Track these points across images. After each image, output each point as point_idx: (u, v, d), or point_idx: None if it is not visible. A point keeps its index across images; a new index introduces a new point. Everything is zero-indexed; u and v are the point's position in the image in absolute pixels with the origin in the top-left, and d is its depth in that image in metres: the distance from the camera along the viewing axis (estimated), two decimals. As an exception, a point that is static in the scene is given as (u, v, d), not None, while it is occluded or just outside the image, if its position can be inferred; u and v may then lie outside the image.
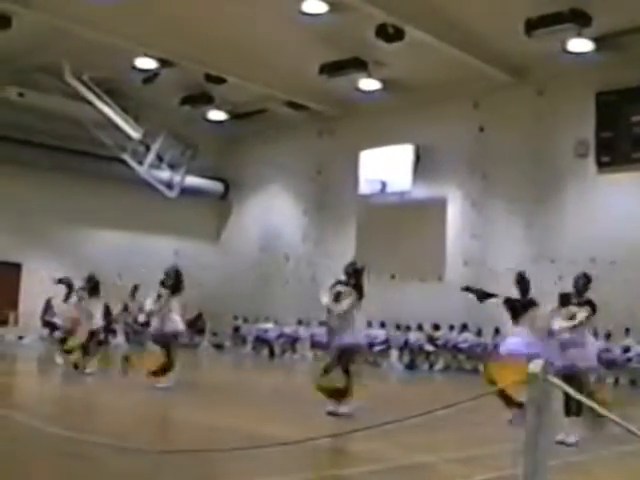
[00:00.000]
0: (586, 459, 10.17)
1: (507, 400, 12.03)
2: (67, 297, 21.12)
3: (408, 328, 28.25)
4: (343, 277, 13.94)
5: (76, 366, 18.87)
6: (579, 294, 12.06)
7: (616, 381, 23.49)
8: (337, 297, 13.73)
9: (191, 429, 11.87)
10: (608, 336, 23.44)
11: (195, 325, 32.89)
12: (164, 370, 16.59)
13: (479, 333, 26.44)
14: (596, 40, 23.77)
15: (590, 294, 12.05)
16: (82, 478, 8.13)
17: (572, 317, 11.78)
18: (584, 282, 12.16)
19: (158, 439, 10.86)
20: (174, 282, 17.10)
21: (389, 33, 23.72)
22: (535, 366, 5.11)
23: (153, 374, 16.53)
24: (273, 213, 35.75)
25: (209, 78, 29.46)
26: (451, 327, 27.18)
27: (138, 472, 8.30)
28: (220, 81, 29.55)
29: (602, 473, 9.86)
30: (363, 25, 23.46)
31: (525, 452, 5.14)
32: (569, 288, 12.34)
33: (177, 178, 33.54)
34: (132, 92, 30.86)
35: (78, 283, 20.76)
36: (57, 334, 21.90)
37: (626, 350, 23.53)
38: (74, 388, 17.04)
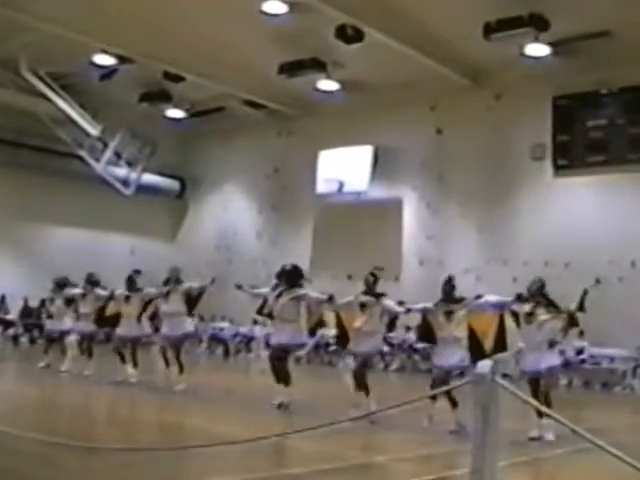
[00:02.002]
0: (535, 458, 10.26)
1: None
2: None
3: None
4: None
5: None
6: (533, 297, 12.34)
7: (570, 383, 23.66)
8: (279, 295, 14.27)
9: (147, 428, 11.85)
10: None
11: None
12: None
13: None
14: (553, 45, 23.99)
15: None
16: (43, 478, 8.05)
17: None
18: (538, 286, 12.43)
19: (116, 438, 10.79)
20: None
21: (348, 34, 23.82)
22: (483, 367, 5.15)
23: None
24: (229, 212, 35.70)
25: (167, 76, 29.39)
26: (407, 328, 27.08)
27: (98, 471, 8.24)
28: (179, 79, 29.50)
29: (550, 471, 9.97)
30: (323, 26, 23.52)
31: (473, 452, 5.18)
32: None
33: (133, 175, 33.37)
34: (90, 88, 30.62)
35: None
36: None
37: (579, 352, 23.71)
38: (31, 387, 16.89)
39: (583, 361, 23.77)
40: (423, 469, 9.65)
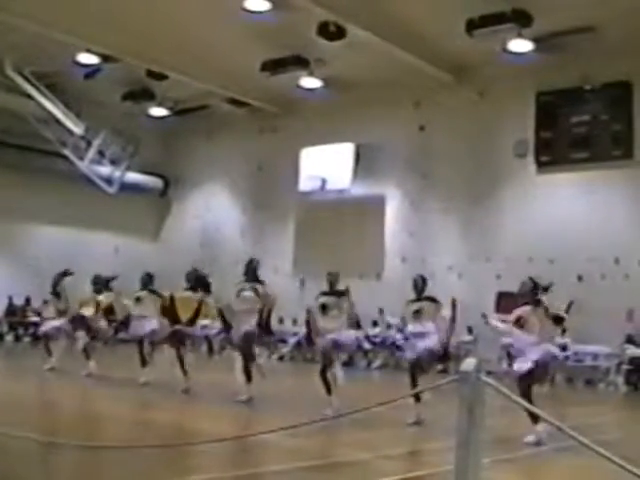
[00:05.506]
0: (520, 455, 10.26)
1: None
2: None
3: (347, 325, 28.15)
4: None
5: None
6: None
7: (553, 380, 23.68)
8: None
9: (128, 425, 11.81)
10: (546, 334, 23.66)
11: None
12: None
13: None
14: (536, 40, 23.98)
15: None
16: (19, 476, 7.99)
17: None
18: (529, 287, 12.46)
19: (95, 435, 10.77)
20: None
21: (331, 31, 23.79)
22: (468, 365, 5.15)
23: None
24: (213, 210, 35.60)
25: (150, 74, 29.30)
26: (388, 325, 27.09)
27: (75, 468, 8.22)
28: (161, 77, 29.42)
29: (534, 468, 9.99)
30: (305, 23, 23.48)
31: (457, 449, 5.18)
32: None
33: (117, 174, 33.26)
34: (74, 87, 30.53)
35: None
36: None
37: (563, 348, 23.75)
38: (18, 384, 16.81)
39: (566, 358, 23.81)
40: (407, 466, 9.67)
